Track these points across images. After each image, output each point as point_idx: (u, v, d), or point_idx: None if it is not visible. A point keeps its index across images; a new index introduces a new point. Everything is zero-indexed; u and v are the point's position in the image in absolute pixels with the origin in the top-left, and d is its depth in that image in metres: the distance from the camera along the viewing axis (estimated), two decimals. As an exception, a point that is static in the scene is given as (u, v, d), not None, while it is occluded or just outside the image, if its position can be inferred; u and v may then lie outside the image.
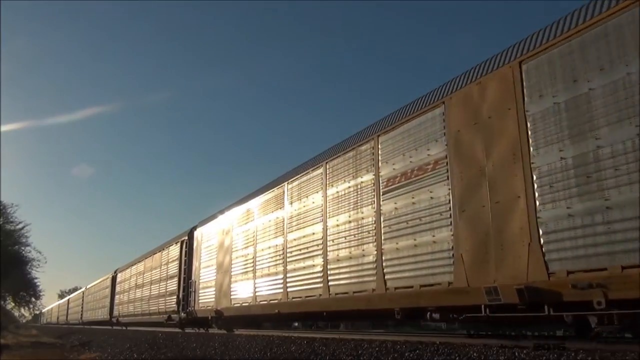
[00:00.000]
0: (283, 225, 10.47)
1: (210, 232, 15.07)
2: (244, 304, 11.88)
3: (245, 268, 11.97)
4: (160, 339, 13.72)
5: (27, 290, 38.85)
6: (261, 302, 10.98)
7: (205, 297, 14.57)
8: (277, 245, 10.56)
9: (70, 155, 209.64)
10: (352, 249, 8.29)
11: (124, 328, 25.59)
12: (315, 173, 9.71)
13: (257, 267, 11.33)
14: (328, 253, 8.85)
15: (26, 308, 44.42)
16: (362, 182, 8.33)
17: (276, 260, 10.52)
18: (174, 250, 18.14)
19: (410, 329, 14.73)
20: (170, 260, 18.63)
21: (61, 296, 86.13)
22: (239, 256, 12.46)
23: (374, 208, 7.87)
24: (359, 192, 8.35)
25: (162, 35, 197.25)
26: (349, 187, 8.63)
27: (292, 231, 10.09)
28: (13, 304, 41.00)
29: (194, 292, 15.48)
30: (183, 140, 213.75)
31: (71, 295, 59.54)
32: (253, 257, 11.60)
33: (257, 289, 11.25)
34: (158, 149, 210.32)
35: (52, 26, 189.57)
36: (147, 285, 21.69)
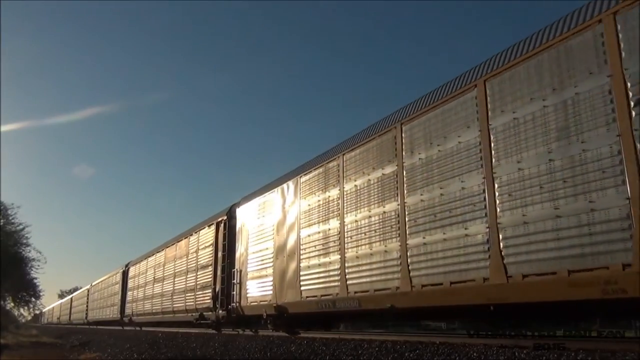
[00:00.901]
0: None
1: (260, 208, 11.94)
2: (324, 297, 8.92)
3: (326, 248, 9.13)
4: (160, 339, 13.73)
5: (27, 290, 38.81)
6: (357, 294, 8.14)
7: (257, 289, 11.48)
8: (384, 213, 7.82)
9: (70, 155, 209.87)
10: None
11: (137, 329, 22.97)
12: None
13: (347, 246, 8.53)
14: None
15: (25, 308, 44.12)
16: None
17: (382, 233, 7.79)
18: (207, 235, 14.90)
19: (410, 329, 14.72)
20: (201, 247, 15.39)
21: (61, 296, 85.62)
22: (313, 233, 9.60)
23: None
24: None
25: (162, 35, 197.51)
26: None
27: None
28: (13, 304, 40.91)
29: (238, 284, 12.29)
30: (183, 141, 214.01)
31: (74, 294, 54.94)
32: (339, 233, 8.79)
33: (348, 276, 8.40)
34: (158, 149, 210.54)
35: (52, 26, 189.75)
36: (170, 278, 18.44)
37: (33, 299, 40.60)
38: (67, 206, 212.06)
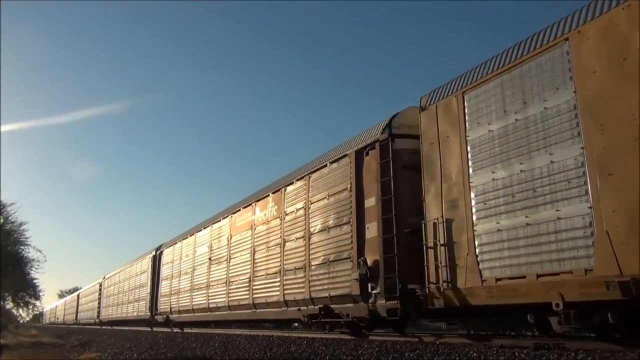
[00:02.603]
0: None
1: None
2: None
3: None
4: (160, 339, 13.73)
5: (27, 290, 38.70)
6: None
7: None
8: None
9: (71, 155, 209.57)
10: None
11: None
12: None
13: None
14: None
15: (25, 309, 43.83)
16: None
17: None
18: (338, 172, 9.18)
19: (410, 329, 14.71)
20: (328, 194, 9.36)
21: (61, 296, 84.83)
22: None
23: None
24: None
25: (163, 35, 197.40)
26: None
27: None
28: (12, 304, 40.77)
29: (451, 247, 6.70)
30: (183, 141, 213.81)
31: (81, 290, 47.66)
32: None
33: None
34: (158, 149, 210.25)
35: (53, 26, 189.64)
36: (244, 254, 12.27)
37: (33, 300, 40.36)
38: (67, 206, 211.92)
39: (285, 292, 10.11)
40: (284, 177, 11.59)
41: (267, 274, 11.01)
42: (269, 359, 7.69)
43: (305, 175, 10.17)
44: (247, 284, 11.89)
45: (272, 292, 10.64)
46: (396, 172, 7.60)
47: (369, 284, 7.80)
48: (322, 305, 8.89)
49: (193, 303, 15.57)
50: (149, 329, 21.33)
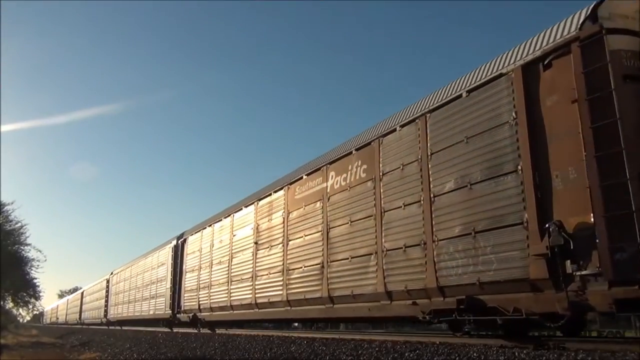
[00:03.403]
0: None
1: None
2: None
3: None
4: (160, 339, 13.72)
5: (27, 290, 38.65)
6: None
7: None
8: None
9: (71, 155, 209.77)
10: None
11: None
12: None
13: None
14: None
15: (25, 309, 43.68)
16: None
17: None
18: (487, 103, 6.40)
19: (410, 329, 14.73)
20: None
21: (61, 296, 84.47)
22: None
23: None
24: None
25: (164, 35, 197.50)
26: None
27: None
28: (12, 304, 40.70)
29: None
30: (184, 140, 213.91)
31: (85, 288, 43.87)
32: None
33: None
34: (158, 149, 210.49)
35: (53, 26, 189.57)
36: (312, 232, 9.66)
37: (33, 300, 40.25)
38: (67, 206, 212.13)
39: (388, 280, 7.51)
40: (371, 127, 8.87)
41: (352, 258, 8.40)
42: (269, 359, 7.69)
43: (418, 117, 7.47)
44: (318, 272, 9.22)
45: (364, 282, 8.02)
46: (616, 84, 4.99)
47: (567, 261, 5.12)
48: (462, 297, 6.28)
49: (232, 298, 12.74)
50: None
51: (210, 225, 15.33)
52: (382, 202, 7.91)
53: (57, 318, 62.75)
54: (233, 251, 13.27)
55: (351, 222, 8.58)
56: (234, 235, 13.41)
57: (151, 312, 20.70)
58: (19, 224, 30.73)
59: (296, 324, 17.34)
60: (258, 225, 12.03)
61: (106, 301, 31.40)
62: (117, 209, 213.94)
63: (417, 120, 7.48)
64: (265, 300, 11.06)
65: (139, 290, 23.17)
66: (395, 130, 7.95)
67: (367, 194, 8.27)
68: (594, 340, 5.97)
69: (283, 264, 10.42)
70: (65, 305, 56.57)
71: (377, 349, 6.43)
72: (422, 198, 7.12)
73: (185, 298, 16.59)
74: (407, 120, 7.72)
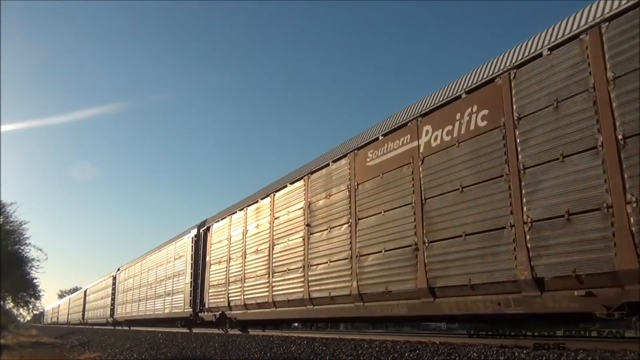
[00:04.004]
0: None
1: None
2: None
3: None
4: (160, 339, 13.72)
5: (27, 290, 38.66)
6: None
7: None
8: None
9: (71, 155, 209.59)
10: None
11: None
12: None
13: None
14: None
15: (25, 308, 43.62)
16: None
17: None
18: None
19: (410, 329, 14.74)
20: None
21: (61, 296, 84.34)
22: None
23: None
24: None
25: (164, 34, 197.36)
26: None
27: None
28: (12, 304, 40.69)
29: None
30: (184, 140, 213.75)
31: (89, 286, 41.11)
32: None
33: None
34: (159, 149, 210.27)
35: (53, 26, 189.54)
36: (398, 205, 7.58)
37: (33, 299, 40.23)
38: (67, 206, 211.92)
39: (537, 262, 5.38)
40: (491, 61, 6.50)
41: (466, 235, 6.27)
42: (269, 359, 7.69)
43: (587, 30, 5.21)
44: (408, 257, 7.13)
45: (494, 266, 5.85)
46: None
47: None
48: None
49: (274, 293, 10.69)
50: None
51: (242, 209, 12.94)
52: (519, 156, 5.70)
53: (58, 318, 61.84)
54: (275, 237, 11.05)
55: (462, 187, 6.41)
56: (275, 218, 11.18)
57: (166, 311, 18.27)
58: (19, 224, 30.80)
59: (296, 324, 16.24)
60: (310, 203, 9.85)
61: (112, 300, 29.26)
62: (117, 209, 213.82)
63: (582, 37, 5.25)
64: (324, 295, 8.96)
65: (151, 287, 20.78)
66: (540, 55, 5.68)
67: (492, 147, 6.11)
68: (594, 340, 5.97)
69: (351, 249, 8.41)
70: (67, 304, 54.98)
71: (377, 349, 6.43)
72: (600, 143, 4.90)
73: (210, 294, 14.24)
74: (563, 38, 5.44)
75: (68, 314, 51.39)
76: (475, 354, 5.17)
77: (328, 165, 9.55)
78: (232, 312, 12.94)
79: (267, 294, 11.00)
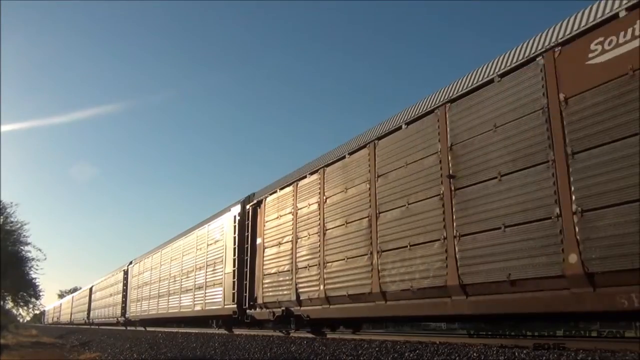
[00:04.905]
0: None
1: None
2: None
3: None
4: (160, 339, 13.72)
5: (27, 290, 38.66)
6: None
7: None
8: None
9: (71, 155, 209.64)
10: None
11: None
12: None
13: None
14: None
15: (25, 308, 43.55)
16: None
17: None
18: None
19: (410, 329, 14.74)
20: None
21: (61, 296, 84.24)
22: None
23: None
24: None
25: (164, 34, 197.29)
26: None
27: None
28: (12, 304, 40.69)
29: None
30: (184, 140, 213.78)
31: (95, 282, 37.64)
32: None
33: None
34: (159, 149, 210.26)
35: (53, 26, 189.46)
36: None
37: (33, 299, 40.21)
38: (67, 207, 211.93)
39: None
40: None
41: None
42: (269, 359, 7.68)
43: None
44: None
45: None
46: None
47: None
48: None
49: (382, 280, 7.44)
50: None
51: (315, 172, 9.73)
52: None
53: (60, 318, 60.20)
54: (381, 201, 7.74)
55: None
56: (378, 177, 7.91)
57: (197, 309, 15.25)
58: (20, 224, 30.85)
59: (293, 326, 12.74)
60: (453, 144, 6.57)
61: (124, 296, 25.84)
62: (117, 210, 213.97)
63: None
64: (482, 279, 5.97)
65: (175, 281, 17.71)
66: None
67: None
68: (594, 340, 5.97)
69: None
70: (70, 303, 51.96)
71: (377, 349, 6.42)
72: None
73: (266, 286, 10.99)
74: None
75: (71, 313, 48.98)
76: (475, 354, 5.16)
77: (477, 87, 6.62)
78: (303, 308, 9.62)
79: (368, 282, 7.74)
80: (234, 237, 12.97)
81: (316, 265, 9.28)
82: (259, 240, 11.77)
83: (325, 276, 8.92)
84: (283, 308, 10.27)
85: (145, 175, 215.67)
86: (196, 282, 15.63)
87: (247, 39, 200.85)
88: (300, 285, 9.75)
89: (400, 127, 7.71)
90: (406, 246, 7.12)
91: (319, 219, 9.39)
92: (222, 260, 13.74)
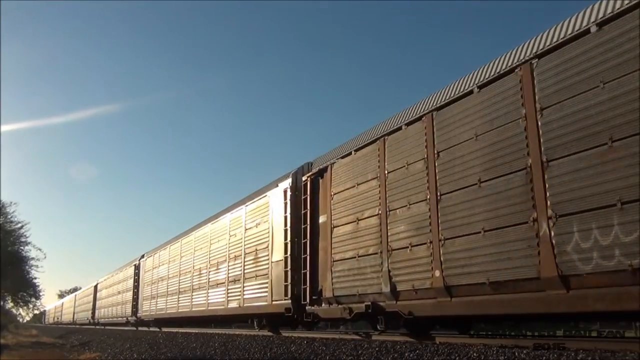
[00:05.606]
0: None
1: None
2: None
3: None
4: (160, 339, 13.71)
5: (27, 289, 38.65)
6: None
7: None
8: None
9: (70, 155, 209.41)
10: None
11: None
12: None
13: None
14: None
15: (25, 308, 43.51)
16: None
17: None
18: None
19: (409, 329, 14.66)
20: None
21: (61, 296, 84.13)
22: None
23: None
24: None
25: (162, 36, 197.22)
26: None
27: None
28: (12, 304, 40.67)
29: None
30: (183, 141, 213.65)
31: (101, 280, 34.87)
32: None
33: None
34: (158, 150, 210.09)
35: (53, 26, 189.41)
36: None
37: (33, 299, 40.18)
38: (66, 207, 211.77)
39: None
40: None
41: None
42: (269, 359, 7.68)
43: None
44: None
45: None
46: None
47: None
48: None
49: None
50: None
51: (419, 119, 7.23)
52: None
53: (62, 317, 58.65)
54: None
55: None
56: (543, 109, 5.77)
57: (232, 305, 12.81)
58: (20, 224, 30.86)
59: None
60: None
61: (135, 294, 23.35)
62: (116, 210, 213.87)
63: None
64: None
65: (200, 274, 15.33)
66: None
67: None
68: (594, 340, 5.97)
69: None
70: (73, 302, 48.99)
71: (377, 349, 6.42)
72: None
73: (336, 275, 8.62)
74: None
75: (74, 313, 46.00)
76: (475, 354, 5.16)
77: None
78: (401, 302, 7.23)
79: (533, 261, 5.23)
80: (285, 217, 10.55)
81: (425, 243, 6.74)
82: (322, 219, 9.39)
83: (443, 258, 6.40)
84: (367, 303, 7.78)
85: (144, 175, 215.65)
86: (229, 275, 13.21)
87: (244, 42, 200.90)
88: (397, 272, 7.26)
89: None
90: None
91: (427, 180, 6.86)
92: (266, 247, 11.32)
